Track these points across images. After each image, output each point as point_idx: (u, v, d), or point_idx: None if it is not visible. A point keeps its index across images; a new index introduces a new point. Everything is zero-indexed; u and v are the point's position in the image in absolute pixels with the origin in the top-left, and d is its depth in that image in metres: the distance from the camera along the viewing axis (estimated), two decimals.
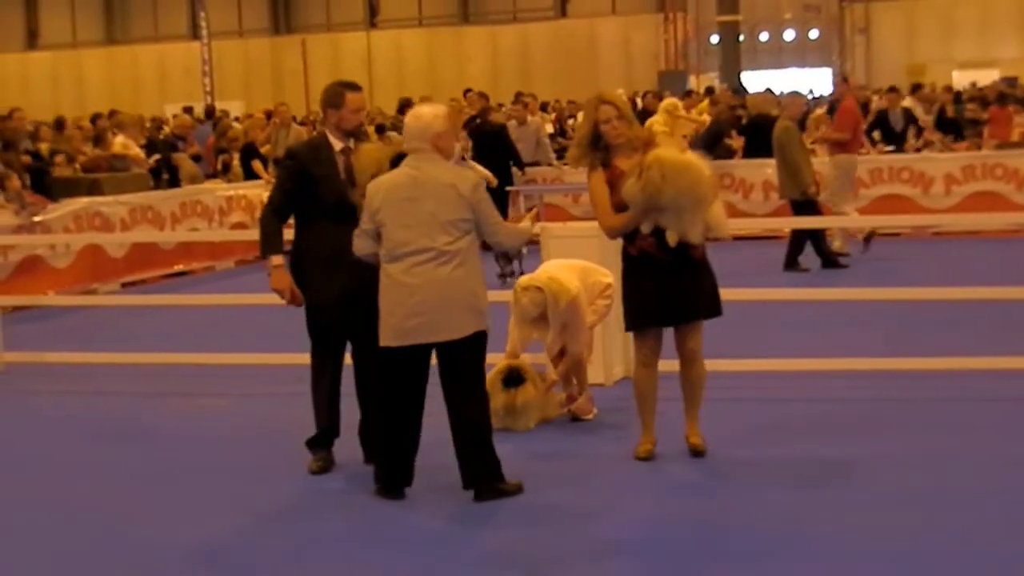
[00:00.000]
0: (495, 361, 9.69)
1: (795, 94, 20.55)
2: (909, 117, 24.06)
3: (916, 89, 26.82)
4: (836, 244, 19.01)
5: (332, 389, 9.21)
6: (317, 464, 9.22)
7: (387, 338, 8.31)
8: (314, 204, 8.97)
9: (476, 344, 8.35)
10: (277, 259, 9.01)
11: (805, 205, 18.00)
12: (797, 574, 7.06)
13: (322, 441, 9.28)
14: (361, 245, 8.47)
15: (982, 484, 8.47)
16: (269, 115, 28.21)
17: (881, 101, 26.03)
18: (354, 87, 9.23)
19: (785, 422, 10.21)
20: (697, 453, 9.12)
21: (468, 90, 31.19)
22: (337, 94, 9.10)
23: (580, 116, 12.56)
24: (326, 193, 8.92)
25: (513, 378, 9.98)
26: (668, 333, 9.17)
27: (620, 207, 8.82)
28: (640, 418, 9.28)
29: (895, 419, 10.25)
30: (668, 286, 8.86)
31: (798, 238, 18.25)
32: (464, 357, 8.32)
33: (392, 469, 8.51)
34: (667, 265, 8.83)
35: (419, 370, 8.39)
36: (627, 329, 9.19)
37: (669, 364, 9.28)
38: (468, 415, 8.38)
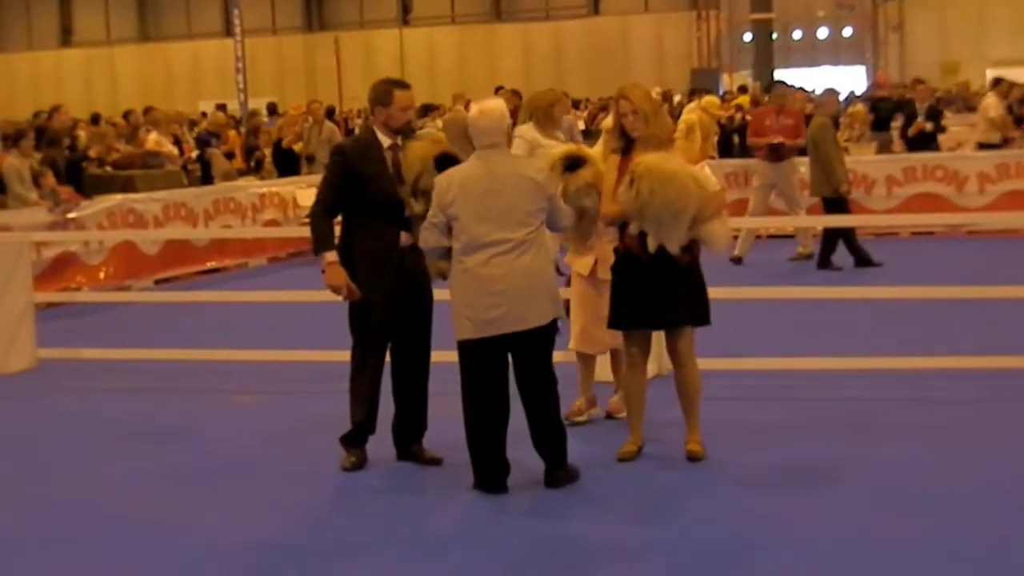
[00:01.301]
0: None
1: (830, 91, 20.43)
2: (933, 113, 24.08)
3: (997, 83, 26.38)
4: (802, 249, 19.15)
5: (373, 386, 9.19)
6: (350, 461, 9.21)
7: (466, 331, 8.37)
8: (362, 201, 8.97)
9: (551, 332, 8.52)
10: (331, 255, 9.00)
11: (837, 203, 17.95)
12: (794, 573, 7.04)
13: (358, 438, 9.27)
14: (429, 238, 8.52)
15: (986, 487, 8.43)
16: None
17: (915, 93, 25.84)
18: (403, 85, 9.22)
19: (794, 421, 10.20)
20: (693, 459, 9.08)
21: (499, 87, 31.17)
22: (386, 92, 9.10)
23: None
24: (375, 190, 8.92)
25: (573, 163, 9.42)
26: None
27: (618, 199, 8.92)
28: (628, 418, 9.32)
29: (904, 420, 10.21)
30: (649, 289, 8.90)
31: (831, 237, 18.18)
32: (540, 346, 8.47)
33: (492, 463, 8.52)
34: (649, 268, 8.86)
35: (500, 360, 8.46)
36: (609, 326, 9.20)
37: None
38: (547, 410, 8.53)
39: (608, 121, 9.66)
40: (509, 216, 8.33)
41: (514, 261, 8.31)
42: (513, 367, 8.53)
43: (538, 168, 8.65)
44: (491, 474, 8.53)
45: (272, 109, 33.20)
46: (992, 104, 24.03)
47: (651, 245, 8.77)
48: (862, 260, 18.21)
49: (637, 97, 9.07)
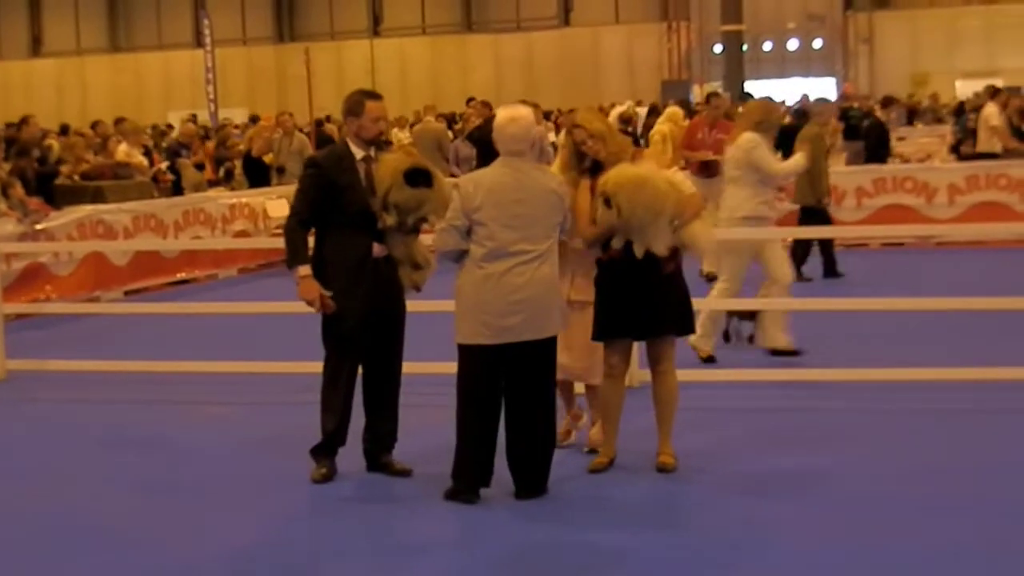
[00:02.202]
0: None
1: (826, 101, 20.45)
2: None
3: (995, 93, 26.42)
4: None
5: (346, 397, 9.19)
6: (320, 472, 9.19)
7: (478, 336, 8.38)
8: (336, 213, 8.97)
9: (555, 344, 8.58)
10: (304, 269, 9.00)
11: (818, 213, 17.95)
12: None
13: (328, 449, 9.26)
14: (448, 240, 8.51)
15: (961, 495, 8.48)
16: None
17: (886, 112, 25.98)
18: (375, 96, 9.23)
19: (766, 432, 10.22)
20: (663, 471, 9.08)
21: (471, 99, 31.19)
22: (357, 103, 9.10)
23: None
24: (349, 202, 8.93)
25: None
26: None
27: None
28: (601, 428, 9.32)
29: (871, 430, 10.26)
30: (634, 299, 8.91)
31: (803, 247, 18.18)
32: (548, 356, 8.54)
33: (481, 472, 8.53)
34: (634, 277, 8.88)
35: (501, 368, 8.46)
36: (593, 338, 9.17)
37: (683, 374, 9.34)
38: (538, 423, 8.54)
39: (562, 137, 9.65)
40: (534, 227, 8.40)
41: (535, 271, 8.37)
42: (508, 380, 8.51)
43: (559, 181, 8.70)
44: (476, 482, 8.53)
45: (254, 120, 33.07)
46: (993, 113, 24.05)
47: (638, 251, 8.78)
48: (832, 272, 18.25)
49: (589, 122, 9.17)
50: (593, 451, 9.50)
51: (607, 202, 8.64)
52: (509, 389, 8.52)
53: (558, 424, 9.20)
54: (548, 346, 8.52)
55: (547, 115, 32.45)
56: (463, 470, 8.54)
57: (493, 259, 8.35)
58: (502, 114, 8.71)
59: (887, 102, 28.04)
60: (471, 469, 8.52)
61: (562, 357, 9.17)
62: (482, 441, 8.49)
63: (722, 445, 9.86)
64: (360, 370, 9.25)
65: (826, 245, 18.37)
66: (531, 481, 8.58)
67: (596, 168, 9.06)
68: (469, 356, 8.47)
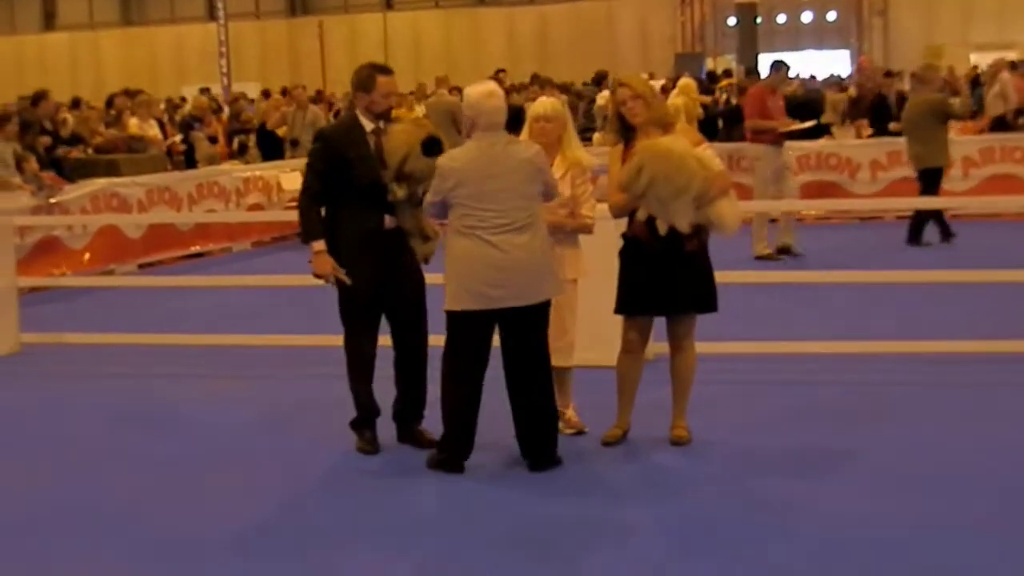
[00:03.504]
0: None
1: (934, 67, 20.68)
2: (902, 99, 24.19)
3: (1015, 67, 26.37)
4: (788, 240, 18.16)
5: (370, 369, 9.22)
6: (370, 445, 9.23)
7: (464, 302, 8.43)
8: (347, 186, 8.97)
9: (547, 311, 8.63)
10: (319, 244, 9.02)
11: (937, 176, 18.46)
12: (784, 560, 7.01)
13: (365, 420, 9.30)
14: (430, 211, 8.69)
15: (979, 470, 8.45)
16: (284, 92, 28.24)
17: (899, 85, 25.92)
18: (386, 71, 9.22)
19: (784, 407, 10.19)
20: (678, 444, 9.08)
21: (500, 70, 31.24)
22: (368, 77, 9.09)
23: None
24: (359, 174, 8.92)
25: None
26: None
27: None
28: (617, 402, 9.28)
29: (899, 405, 10.21)
30: (656, 275, 8.88)
31: (922, 213, 18.65)
32: (537, 323, 8.59)
33: (463, 440, 8.60)
34: (657, 254, 8.86)
35: (490, 337, 8.55)
36: (615, 311, 9.15)
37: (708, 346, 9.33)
38: (538, 392, 8.61)
39: (678, 104, 9.61)
40: (513, 199, 8.44)
41: (515, 239, 8.40)
42: (504, 349, 8.58)
43: (535, 151, 8.69)
44: (462, 452, 8.61)
45: (266, 95, 33.08)
46: (1008, 80, 24.20)
47: (661, 228, 8.76)
48: (947, 233, 18.75)
49: (636, 83, 9.12)
50: (579, 433, 9.42)
51: (639, 171, 8.61)
52: (506, 359, 8.61)
53: None
54: (540, 312, 8.59)
55: (564, 89, 32.39)
56: (449, 440, 8.64)
57: (473, 233, 8.41)
58: (478, 89, 8.71)
59: (888, 74, 27.87)
60: (457, 439, 8.60)
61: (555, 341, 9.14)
62: (467, 410, 8.57)
63: (738, 420, 9.84)
64: (391, 342, 9.26)
65: (937, 213, 18.81)
66: (541, 451, 8.63)
67: (629, 136, 9.02)
68: (453, 323, 8.53)
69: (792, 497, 8.01)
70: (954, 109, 19.65)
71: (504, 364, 8.60)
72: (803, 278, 14.13)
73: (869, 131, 23.45)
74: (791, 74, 18.38)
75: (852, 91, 26.68)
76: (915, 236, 18.71)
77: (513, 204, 8.43)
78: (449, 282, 8.51)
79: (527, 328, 8.55)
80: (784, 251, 17.85)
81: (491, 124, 8.55)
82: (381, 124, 9.08)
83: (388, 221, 8.94)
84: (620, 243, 9.19)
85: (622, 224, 9.19)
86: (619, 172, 8.80)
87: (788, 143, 18.49)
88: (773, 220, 18.08)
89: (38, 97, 20.97)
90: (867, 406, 10.15)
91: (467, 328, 8.49)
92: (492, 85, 8.81)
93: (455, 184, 8.42)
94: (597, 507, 7.97)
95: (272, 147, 24.39)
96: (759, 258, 17.55)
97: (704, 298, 9.05)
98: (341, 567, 7.18)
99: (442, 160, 8.55)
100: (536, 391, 8.60)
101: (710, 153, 9.23)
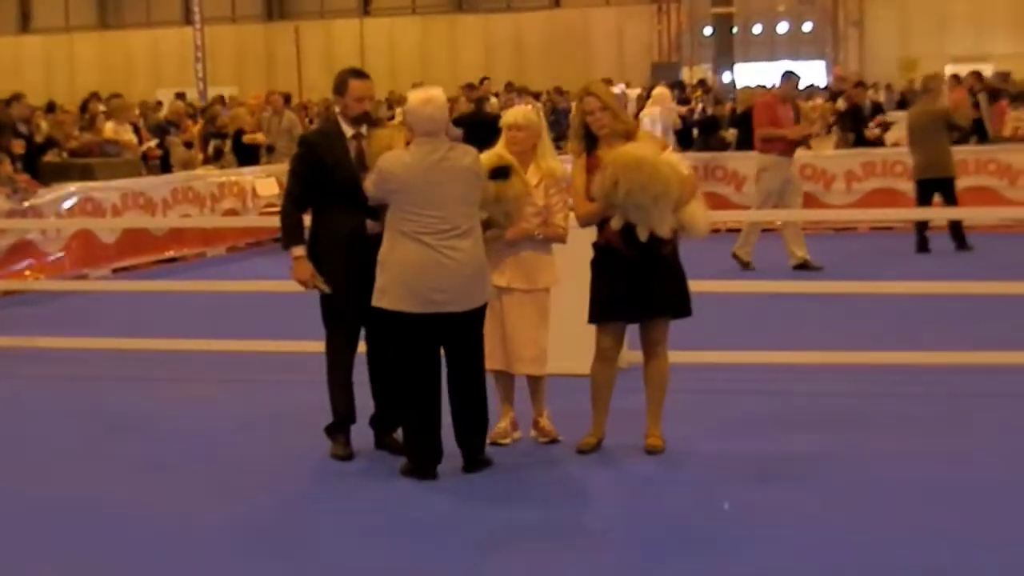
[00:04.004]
0: None
1: (938, 77, 20.99)
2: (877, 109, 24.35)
3: (958, 80, 26.60)
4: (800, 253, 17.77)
5: (349, 375, 9.22)
6: (343, 450, 9.23)
7: (406, 303, 8.50)
8: (327, 191, 9.00)
9: (484, 315, 8.77)
10: (298, 250, 9.07)
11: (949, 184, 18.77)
12: (757, 565, 7.04)
13: (340, 427, 9.30)
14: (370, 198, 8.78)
15: (953, 478, 8.50)
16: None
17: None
18: (360, 75, 9.25)
19: (759, 415, 10.23)
20: (652, 452, 9.09)
21: (485, 78, 31.34)
22: (342, 81, 9.16)
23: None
24: (338, 180, 8.95)
25: (502, 171, 9.13)
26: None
27: (593, 197, 8.91)
28: (592, 410, 9.27)
29: (866, 413, 10.28)
30: (632, 282, 8.89)
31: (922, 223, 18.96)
32: (477, 327, 8.72)
33: (430, 446, 8.65)
34: (632, 261, 8.87)
35: (435, 340, 8.61)
36: (589, 321, 9.14)
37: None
38: (473, 394, 8.74)
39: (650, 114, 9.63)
40: (454, 205, 8.53)
41: (458, 244, 8.50)
42: (446, 353, 8.70)
43: (474, 157, 8.76)
44: (432, 456, 8.66)
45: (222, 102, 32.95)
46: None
47: (642, 235, 8.77)
48: (963, 245, 18.90)
49: (603, 93, 9.12)
50: (554, 441, 9.43)
51: (615, 184, 8.61)
52: (449, 364, 8.72)
53: (495, 420, 9.28)
54: (478, 316, 8.72)
55: (536, 96, 32.43)
56: (416, 446, 8.70)
57: (418, 237, 8.47)
58: (417, 95, 8.76)
59: (859, 85, 27.97)
60: (424, 444, 8.65)
61: (500, 347, 9.20)
62: (429, 414, 8.61)
63: (712, 428, 9.87)
64: (365, 348, 9.28)
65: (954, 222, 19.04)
66: (476, 453, 8.78)
67: (592, 145, 9.05)
68: (397, 324, 8.57)
69: (766, 504, 8.03)
70: (957, 119, 19.76)
71: (447, 368, 8.71)
72: (773, 288, 14.14)
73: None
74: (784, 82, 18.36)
75: (841, 103, 26.76)
76: (923, 245, 18.95)
77: (456, 210, 8.53)
78: (390, 282, 8.54)
79: (466, 332, 8.66)
80: (803, 266, 17.37)
81: (426, 131, 8.59)
82: (364, 129, 9.09)
83: (371, 226, 8.93)
84: (591, 252, 9.19)
85: (592, 232, 9.19)
86: (593, 185, 8.80)
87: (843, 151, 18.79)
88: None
89: (11, 99, 20.92)
90: (843, 415, 10.18)
91: (413, 332, 8.53)
92: (433, 91, 8.80)
93: (397, 188, 8.49)
94: (571, 513, 8.00)
95: (247, 153, 24.34)
96: (740, 263, 17.67)
97: (680, 302, 9.08)
98: (316, 572, 7.16)
99: (384, 163, 8.59)
100: (471, 393, 8.72)
101: (677, 157, 9.30)
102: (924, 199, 18.70)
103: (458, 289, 8.50)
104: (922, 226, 18.93)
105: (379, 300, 8.58)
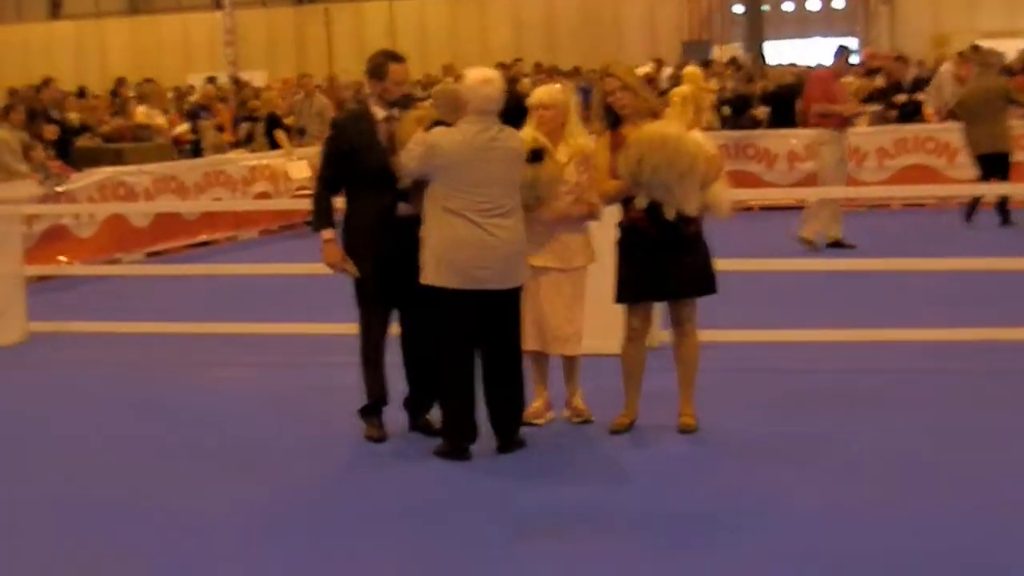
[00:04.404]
0: None
1: (994, 52, 20.95)
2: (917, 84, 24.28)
3: (963, 57, 26.47)
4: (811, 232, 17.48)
5: (382, 356, 9.23)
6: (377, 432, 9.24)
7: (450, 279, 8.54)
8: (358, 174, 9.02)
9: (520, 295, 8.84)
10: (327, 233, 9.09)
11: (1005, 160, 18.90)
12: (788, 544, 7.03)
13: (374, 408, 9.31)
14: (404, 173, 8.75)
15: (982, 458, 8.47)
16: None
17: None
18: (398, 58, 9.25)
19: (794, 394, 10.22)
20: (685, 432, 9.10)
21: (517, 60, 31.28)
22: (380, 65, 9.14)
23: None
24: (368, 163, 8.96)
25: (536, 154, 9.11)
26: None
27: (616, 175, 8.90)
28: (624, 390, 9.27)
29: (903, 393, 10.23)
30: (658, 261, 8.89)
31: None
32: (512, 305, 8.76)
33: (467, 424, 8.69)
34: (657, 240, 8.87)
35: (473, 319, 8.64)
36: (615, 301, 9.16)
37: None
38: (510, 374, 8.77)
39: (682, 92, 9.62)
40: (502, 184, 8.60)
41: (502, 223, 8.57)
42: (482, 332, 8.69)
43: (520, 140, 8.84)
44: (467, 436, 8.70)
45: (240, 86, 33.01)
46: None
47: (669, 213, 8.77)
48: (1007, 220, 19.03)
49: (623, 72, 9.11)
50: (587, 421, 9.45)
51: (639, 162, 8.60)
52: (481, 340, 8.71)
53: (531, 400, 9.29)
54: (516, 296, 8.78)
55: (567, 75, 32.39)
56: (455, 423, 8.73)
57: (463, 214, 8.53)
58: (475, 75, 8.80)
59: (899, 59, 27.80)
60: (463, 422, 8.69)
61: (535, 328, 9.20)
62: (465, 394, 8.66)
63: (744, 407, 9.86)
64: (400, 330, 9.29)
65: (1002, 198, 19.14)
66: (511, 434, 8.81)
67: (616, 124, 9.04)
68: (444, 299, 8.60)
69: (799, 483, 8.02)
70: (1018, 95, 19.71)
71: (483, 347, 8.72)
72: (808, 266, 14.11)
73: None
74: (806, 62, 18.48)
75: (880, 80, 26.61)
76: (969, 215, 19.17)
77: (501, 190, 8.60)
78: (432, 258, 8.59)
79: (504, 311, 8.69)
80: (835, 244, 17.32)
81: (481, 110, 8.63)
82: (396, 112, 9.09)
83: (402, 208, 8.94)
84: (616, 232, 9.19)
85: (617, 212, 9.18)
86: (617, 162, 8.78)
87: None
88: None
89: (41, 85, 21.00)
90: (866, 394, 10.17)
91: (454, 308, 8.57)
92: (492, 73, 8.89)
93: (444, 164, 8.51)
94: (606, 494, 7.98)
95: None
96: (831, 245, 17.27)
97: (705, 281, 9.07)
98: (351, 554, 7.17)
99: (436, 137, 8.59)
100: (509, 374, 8.76)
101: (702, 137, 9.28)
102: (988, 173, 18.70)
103: (500, 267, 8.56)
104: (976, 200, 18.95)
105: (423, 276, 8.64)
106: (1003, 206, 18.94)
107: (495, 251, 8.53)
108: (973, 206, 19.14)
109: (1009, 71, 24.90)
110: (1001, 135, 18.83)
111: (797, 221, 17.46)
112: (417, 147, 8.58)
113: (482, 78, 8.71)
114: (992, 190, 18.80)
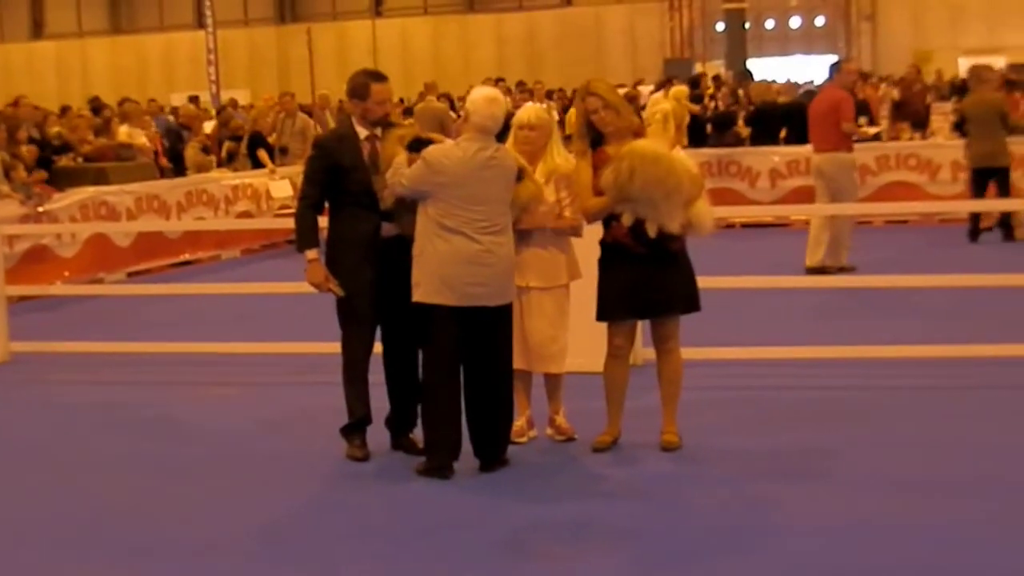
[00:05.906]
0: None
1: (989, 67, 21.05)
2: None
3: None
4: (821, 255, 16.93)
5: (365, 375, 9.21)
6: (360, 451, 9.22)
7: (448, 297, 8.54)
8: (342, 193, 9.02)
9: (511, 312, 8.86)
10: (312, 253, 9.09)
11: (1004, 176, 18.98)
12: (780, 562, 7.02)
13: (356, 428, 9.28)
14: (400, 193, 8.73)
15: (965, 472, 8.49)
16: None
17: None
18: (380, 77, 9.23)
19: (774, 411, 10.21)
20: (668, 449, 9.08)
21: (500, 79, 31.27)
22: (362, 85, 9.11)
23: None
24: (352, 182, 8.96)
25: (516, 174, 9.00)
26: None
27: (600, 192, 8.89)
28: (607, 408, 9.27)
29: (880, 407, 10.26)
30: (641, 278, 8.88)
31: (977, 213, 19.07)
32: (504, 321, 8.76)
33: (450, 442, 8.67)
34: (641, 257, 8.87)
35: (461, 336, 8.63)
36: (598, 318, 9.14)
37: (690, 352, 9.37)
38: (500, 391, 8.77)
39: (665, 109, 9.62)
40: (497, 201, 8.64)
41: (499, 239, 8.60)
42: (471, 349, 8.67)
43: (514, 159, 8.84)
44: (450, 454, 8.67)
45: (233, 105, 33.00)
46: None
47: (651, 230, 8.78)
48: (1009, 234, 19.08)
49: (605, 91, 9.10)
50: (570, 439, 9.43)
51: (630, 175, 8.61)
52: (471, 358, 8.69)
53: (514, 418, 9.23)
54: (507, 312, 8.78)
55: (549, 94, 32.46)
56: (437, 441, 8.69)
57: (459, 232, 8.52)
58: (482, 92, 8.86)
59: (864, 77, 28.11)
60: (446, 439, 8.66)
61: (520, 345, 9.15)
62: (449, 412, 8.64)
63: (728, 424, 9.85)
64: (381, 349, 9.27)
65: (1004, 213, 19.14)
66: (496, 451, 8.81)
67: (597, 142, 9.05)
68: (432, 316, 8.58)
69: (784, 499, 8.02)
70: (1009, 114, 19.78)
71: (466, 364, 8.69)
72: (791, 283, 14.11)
73: (909, 134, 23.64)
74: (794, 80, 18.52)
75: (896, 93, 26.67)
76: (974, 235, 19.10)
77: (496, 208, 8.62)
78: (426, 276, 8.57)
79: (495, 327, 8.69)
80: (840, 269, 16.73)
81: (483, 128, 8.64)
82: (378, 131, 9.08)
83: (387, 228, 8.94)
84: (598, 250, 9.19)
85: (599, 231, 9.18)
86: (602, 178, 8.78)
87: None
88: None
89: (14, 103, 20.94)
90: (856, 409, 10.17)
91: (445, 326, 8.56)
92: (497, 93, 8.99)
93: (447, 182, 8.49)
94: (589, 512, 7.97)
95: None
96: (840, 269, 16.56)
97: (689, 298, 9.08)
98: (333, 573, 7.16)
99: (435, 155, 8.58)
100: (498, 390, 8.75)
101: (684, 155, 9.31)
102: (978, 188, 18.78)
103: (495, 284, 8.58)
104: (976, 217, 18.96)
105: (415, 294, 8.63)
106: (1006, 221, 18.97)
107: (492, 268, 8.55)
108: (975, 224, 19.09)
109: (1011, 84, 25.04)
110: (997, 150, 18.83)
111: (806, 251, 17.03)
112: (413, 167, 8.58)
113: (489, 96, 8.77)
114: (964, 207, 18.89)
